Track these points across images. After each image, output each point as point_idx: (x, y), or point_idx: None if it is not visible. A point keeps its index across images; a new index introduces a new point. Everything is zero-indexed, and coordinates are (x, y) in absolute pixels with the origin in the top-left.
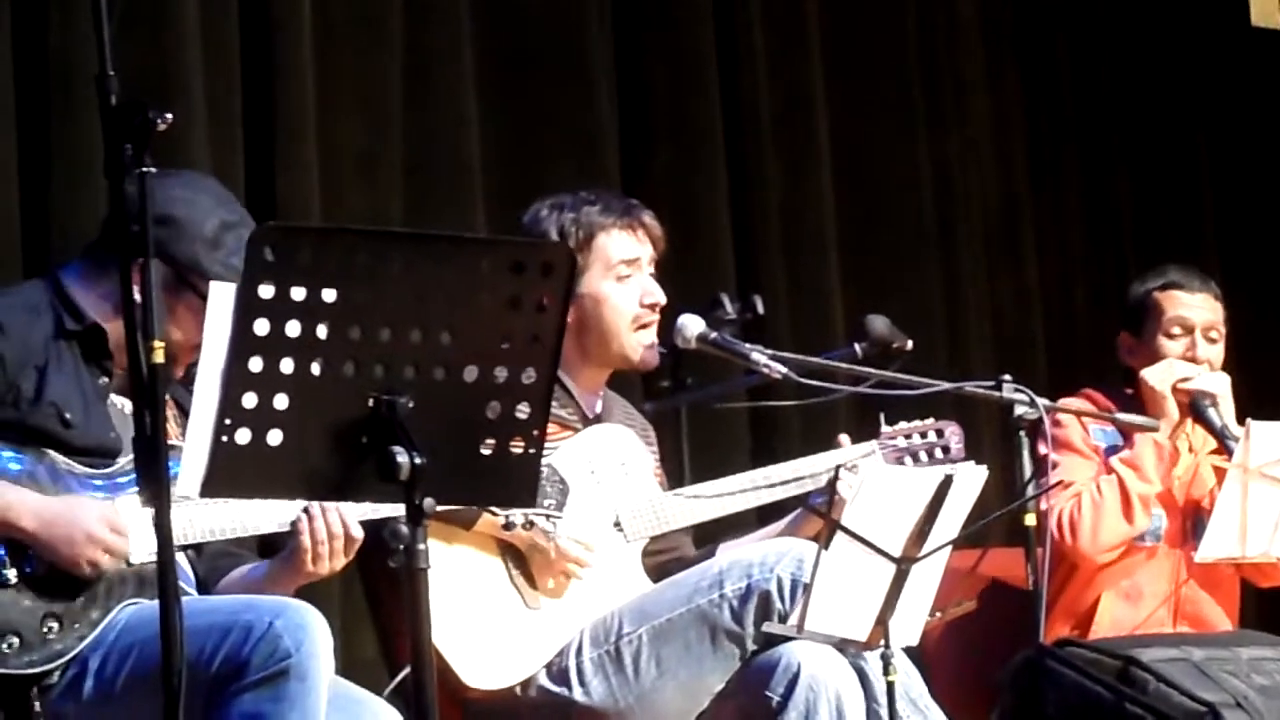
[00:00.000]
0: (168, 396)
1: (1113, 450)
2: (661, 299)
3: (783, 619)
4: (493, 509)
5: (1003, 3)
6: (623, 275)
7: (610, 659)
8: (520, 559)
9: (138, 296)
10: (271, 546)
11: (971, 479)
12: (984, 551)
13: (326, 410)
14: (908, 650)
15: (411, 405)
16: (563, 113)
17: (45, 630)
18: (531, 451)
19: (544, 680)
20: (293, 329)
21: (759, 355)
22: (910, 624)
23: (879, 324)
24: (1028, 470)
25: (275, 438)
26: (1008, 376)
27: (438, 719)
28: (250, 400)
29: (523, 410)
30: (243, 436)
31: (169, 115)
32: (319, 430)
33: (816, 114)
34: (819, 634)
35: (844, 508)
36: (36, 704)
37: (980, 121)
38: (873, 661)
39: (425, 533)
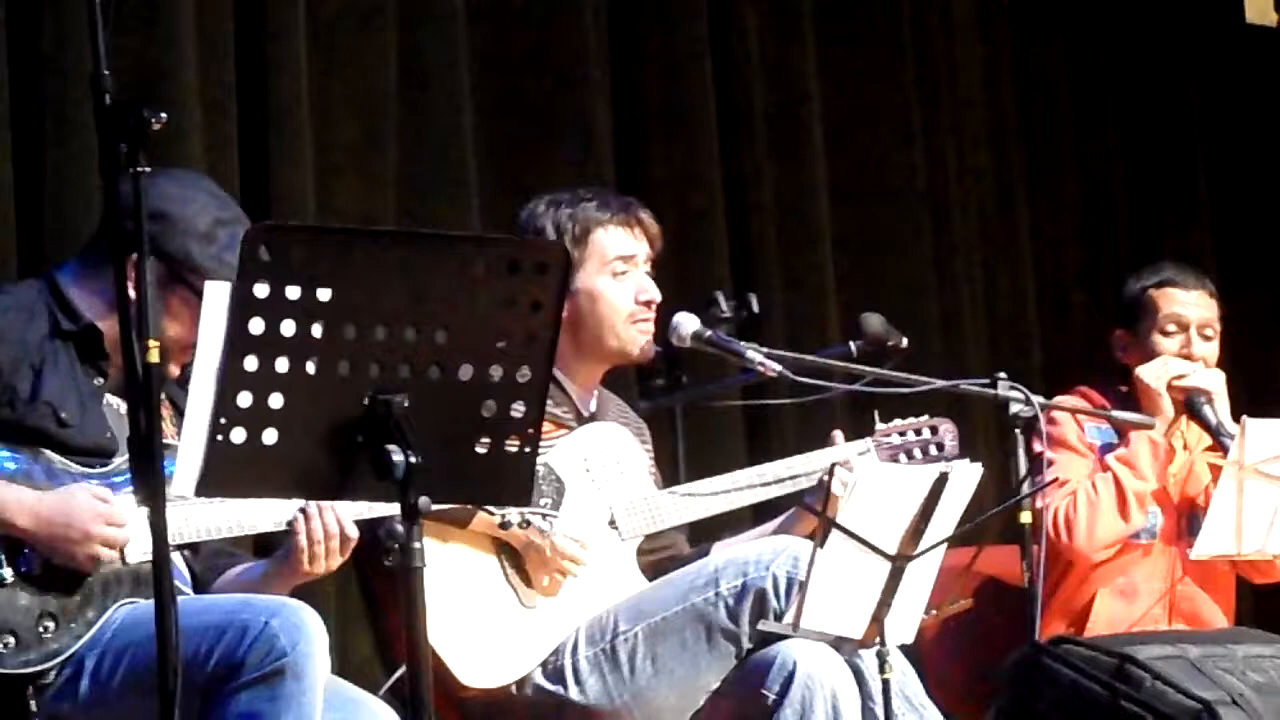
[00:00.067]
0: (163, 396)
1: (1108, 448)
2: (657, 296)
3: (778, 617)
4: (488, 508)
5: (998, 3)
6: (619, 271)
7: (606, 657)
8: (516, 557)
9: (132, 294)
10: (267, 546)
11: (967, 477)
12: (979, 549)
13: (322, 409)
14: (903, 648)
15: (407, 404)
16: (557, 111)
17: (41, 630)
18: (527, 450)
19: (539, 679)
20: (288, 328)
21: (754, 353)
22: (906, 622)
23: (874, 322)
24: (1023, 468)
25: (270, 437)
26: (1003, 374)
27: (433, 718)
28: (245, 399)
29: (518, 409)
30: (238, 436)
31: (164, 115)
32: (314, 429)
33: (811, 113)
34: (814, 632)
35: (838, 505)
36: (32, 703)
37: (976, 120)
38: (868, 659)
39: (421, 531)
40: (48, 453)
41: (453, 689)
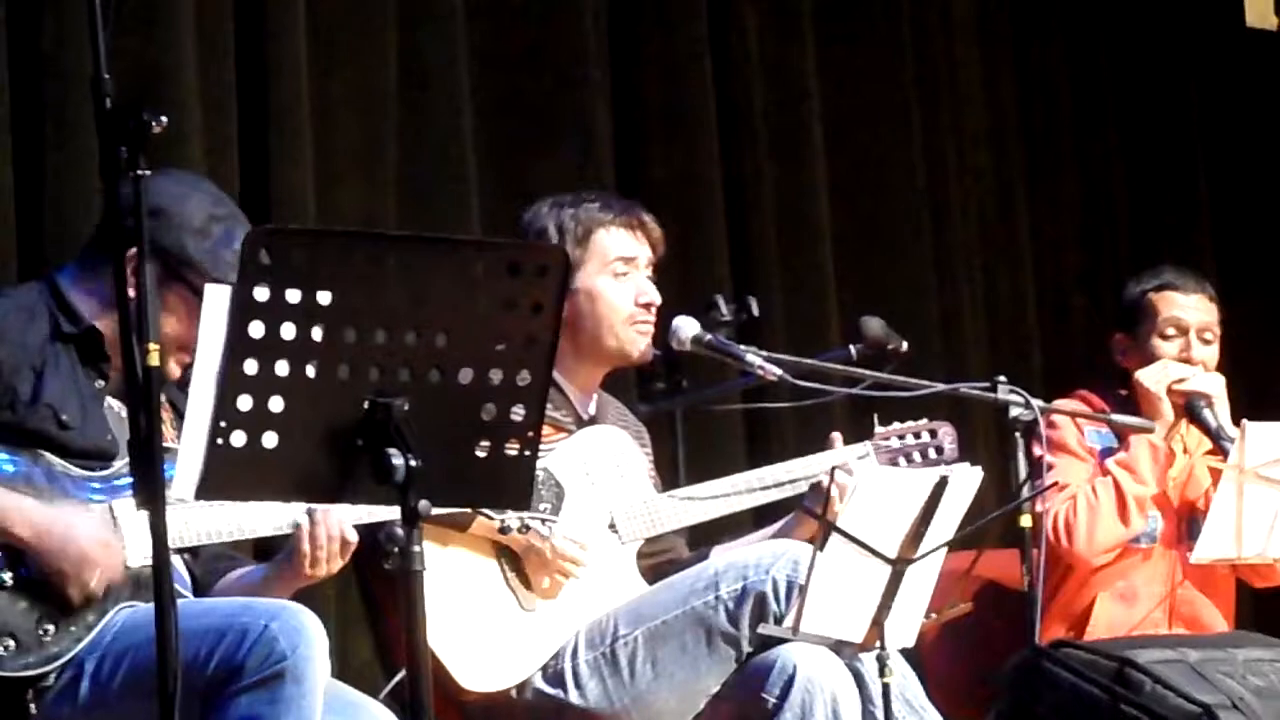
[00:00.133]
0: (163, 399)
1: (1108, 452)
2: (657, 299)
3: (778, 621)
4: (488, 511)
5: (998, 3)
6: (619, 273)
7: (606, 661)
8: (515, 561)
9: (131, 293)
10: (267, 549)
11: (967, 480)
12: (979, 553)
13: (321, 413)
14: (904, 652)
15: (407, 407)
16: (557, 112)
17: (41, 633)
18: (527, 454)
19: (539, 682)
20: (288, 331)
21: (754, 357)
22: (906, 626)
23: (874, 325)
24: (1023, 472)
25: (270, 440)
26: (1003, 378)
27: None
28: (245, 403)
29: (518, 412)
30: (238, 439)
31: (164, 118)
32: (314, 433)
33: (812, 115)
34: (814, 636)
35: (836, 508)
36: (32, 706)
37: (976, 122)
38: (869, 663)
39: (420, 535)
40: (48, 455)
41: (453, 692)
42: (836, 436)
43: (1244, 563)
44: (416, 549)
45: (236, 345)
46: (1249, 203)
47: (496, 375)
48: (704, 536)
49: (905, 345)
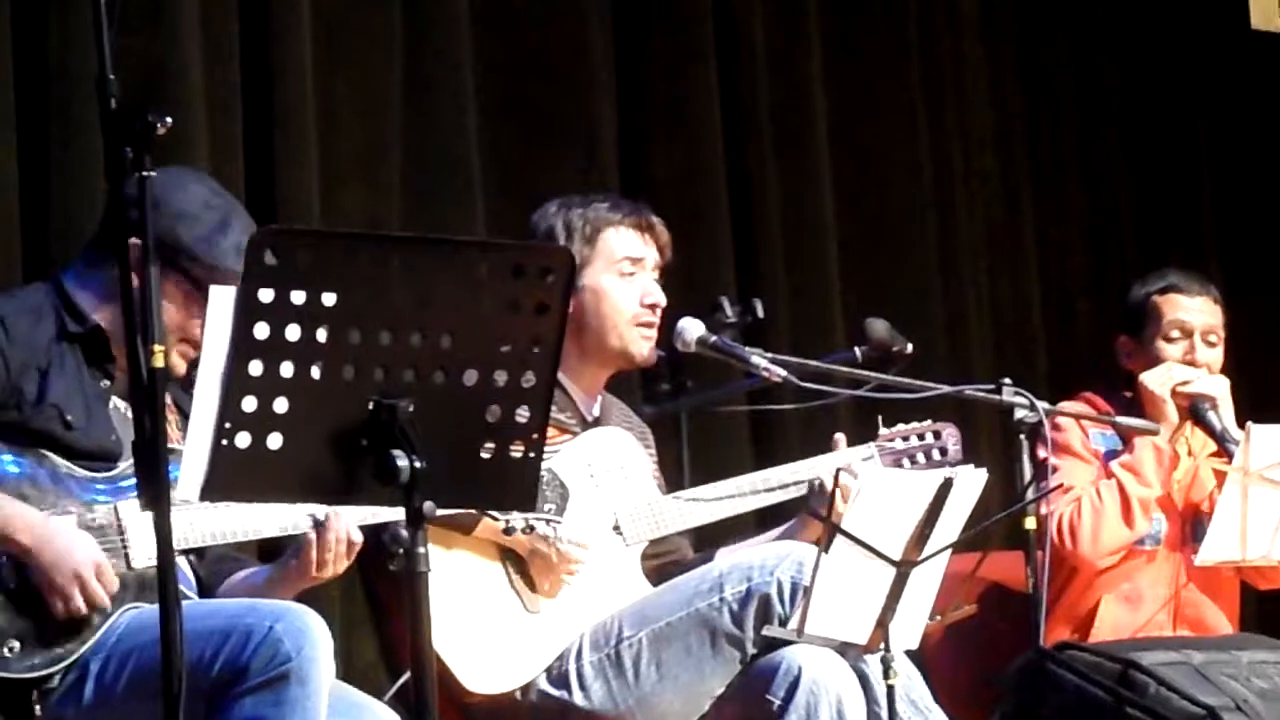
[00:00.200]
0: (169, 400)
1: (1112, 454)
2: (662, 301)
3: (783, 622)
4: (493, 513)
5: (1004, 4)
6: (625, 272)
7: (610, 663)
8: (520, 563)
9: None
10: (272, 550)
11: (971, 482)
12: (984, 555)
13: (326, 414)
14: (908, 653)
15: (411, 409)
16: (562, 114)
17: (46, 635)
18: (531, 455)
19: (544, 684)
20: (292, 332)
21: (759, 359)
22: (910, 627)
23: (879, 327)
24: (1028, 474)
25: (275, 441)
26: (1007, 380)
27: None
28: (250, 404)
29: (522, 414)
30: (242, 440)
31: (169, 119)
32: (319, 434)
33: (817, 117)
34: (819, 637)
35: (840, 509)
36: (37, 708)
37: (982, 124)
38: (874, 665)
39: (425, 537)
40: (52, 456)
41: (457, 694)
42: (840, 438)
43: (1248, 565)
44: (421, 550)
45: (241, 346)
46: (1254, 205)
47: (501, 377)
48: (708, 538)
49: (910, 347)
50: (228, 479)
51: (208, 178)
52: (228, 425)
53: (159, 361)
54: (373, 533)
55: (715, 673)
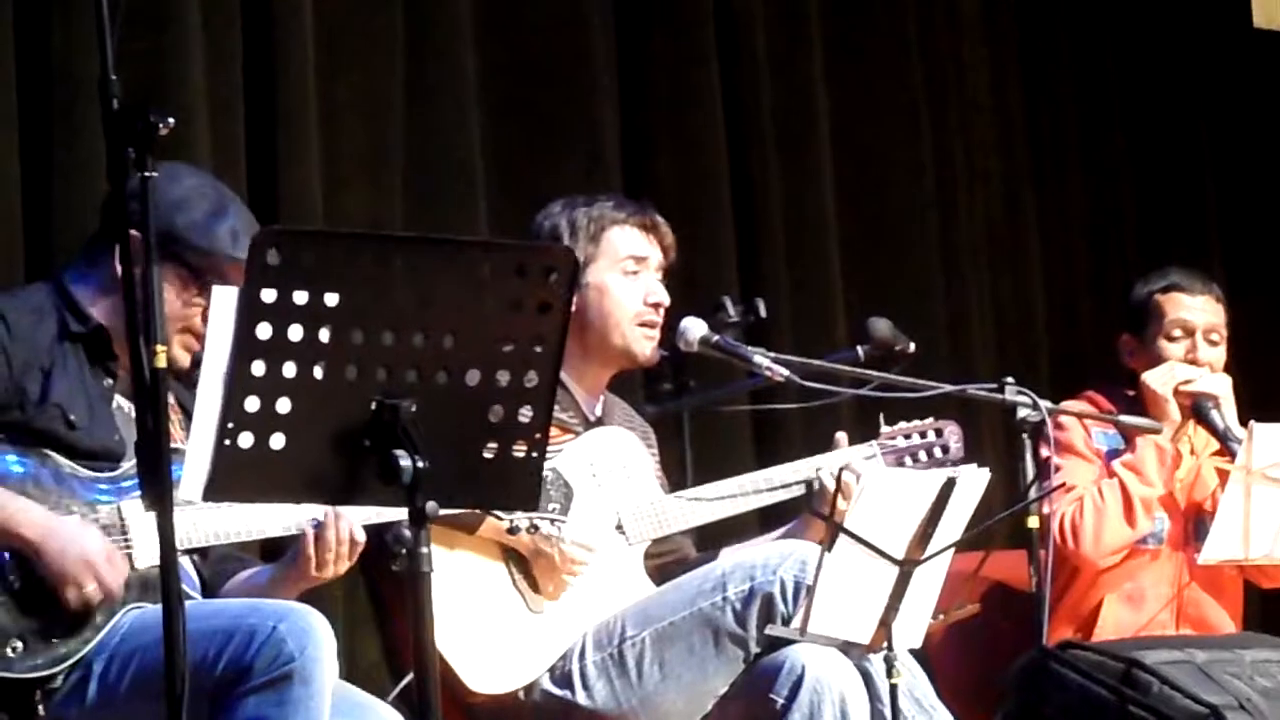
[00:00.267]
0: (172, 400)
1: (1114, 453)
2: (665, 300)
3: (785, 621)
4: (496, 513)
5: (1005, 5)
6: (629, 270)
7: (613, 662)
8: (523, 563)
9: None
10: (274, 550)
11: (974, 481)
12: (987, 554)
13: (329, 414)
14: (912, 653)
15: (414, 409)
16: (564, 116)
17: (49, 635)
18: (534, 455)
19: (547, 684)
20: (295, 333)
21: (761, 358)
22: (914, 627)
23: (881, 326)
24: (1030, 473)
25: (278, 442)
26: (1010, 379)
27: None
28: (253, 404)
29: (525, 414)
30: (245, 440)
31: (171, 119)
32: (321, 434)
33: (819, 118)
34: (822, 637)
35: (841, 507)
36: (40, 708)
37: (983, 124)
38: (877, 663)
39: (428, 537)
40: (56, 456)
41: (460, 694)
42: (841, 436)
43: (1251, 564)
44: (424, 550)
45: (244, 346)
46: (1256, 203)
47: (504, 376)
48: (711, 538)
49: (913, 346)
50: (230, 479)
51: (200, 170)
52: (230, 425)
53: (161, 361)
54: (376, 533)
55: (718, 672)
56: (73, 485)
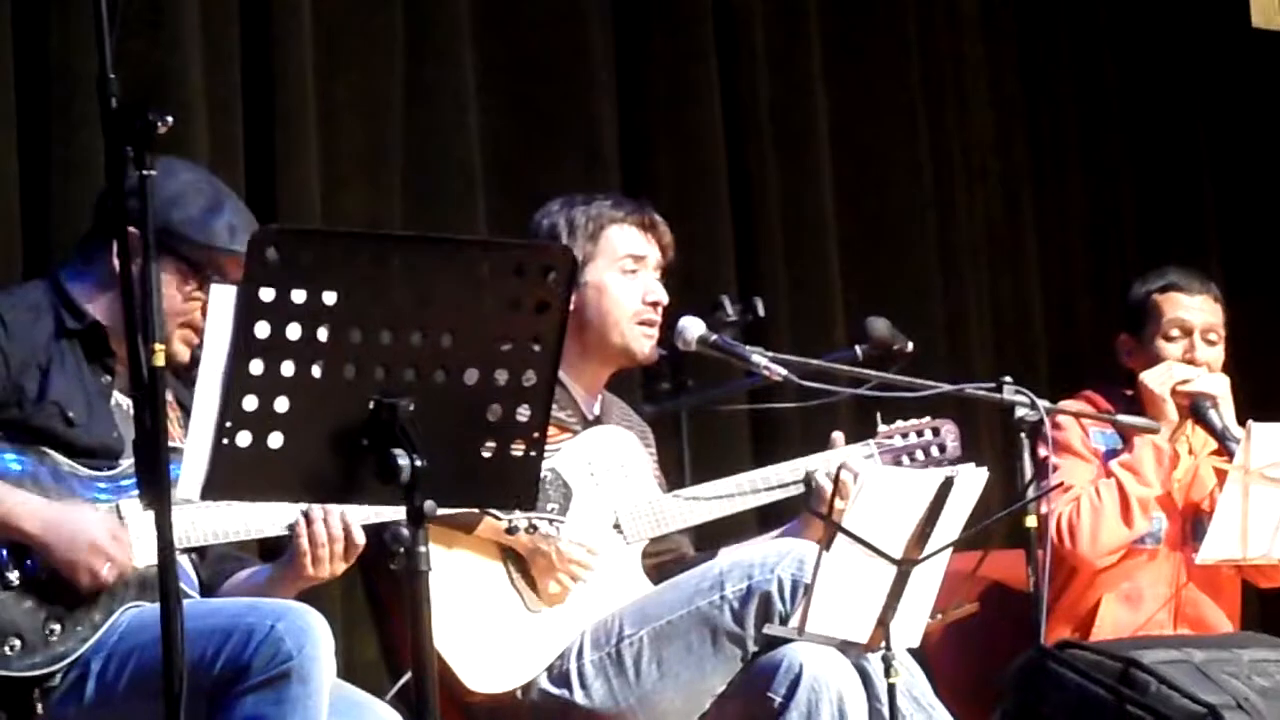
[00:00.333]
0: (172, 398)
1: (1112, 453)
2: (664, 299)
3: (783, 620)
4: (495, 512)
5: (1004, 4)
6: (628, 269)
7: (611, 661)
8: (521, 562)
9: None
10: (274, 549)
11: (972, 481)
12: (985, 553)
13: (327, 413)
14: (910, 652)
15: (412, 408)
16: (563, 114)
17: (48, 632)
18: (532, 454)
19: (545, 683)
20: (293, 331)
21: (759, 357)
22: (912, 626)
23: (880, 326)
24: (1028, 472)
25: (276, 440)
26: (1008, 378)
27: None
28: (251, 403)
29: (523, 413)
30: (243, 439)
31: (169, 118)
32: (320, 433)
33: (817, 116)
34: (820, 636)
35: (839, 506)
36: (39, 706)
37: (982, 123)
38: (875, 662)
39: (426, 536)
40: (54, 454)
41: (458, 693)
42: (838, 436)
43: (1249, 563)
44: (422, 549)
45: (242, 345)
46: (1254, 203)
47: (502, 375)
48: (709, 538)
49: (911, 346)
50: (229, 478)
51: (192, 164)
52: (229, 424)
53: (160, 360)
54: (374, 532)
55: (716, 671)
56: (71, 484)
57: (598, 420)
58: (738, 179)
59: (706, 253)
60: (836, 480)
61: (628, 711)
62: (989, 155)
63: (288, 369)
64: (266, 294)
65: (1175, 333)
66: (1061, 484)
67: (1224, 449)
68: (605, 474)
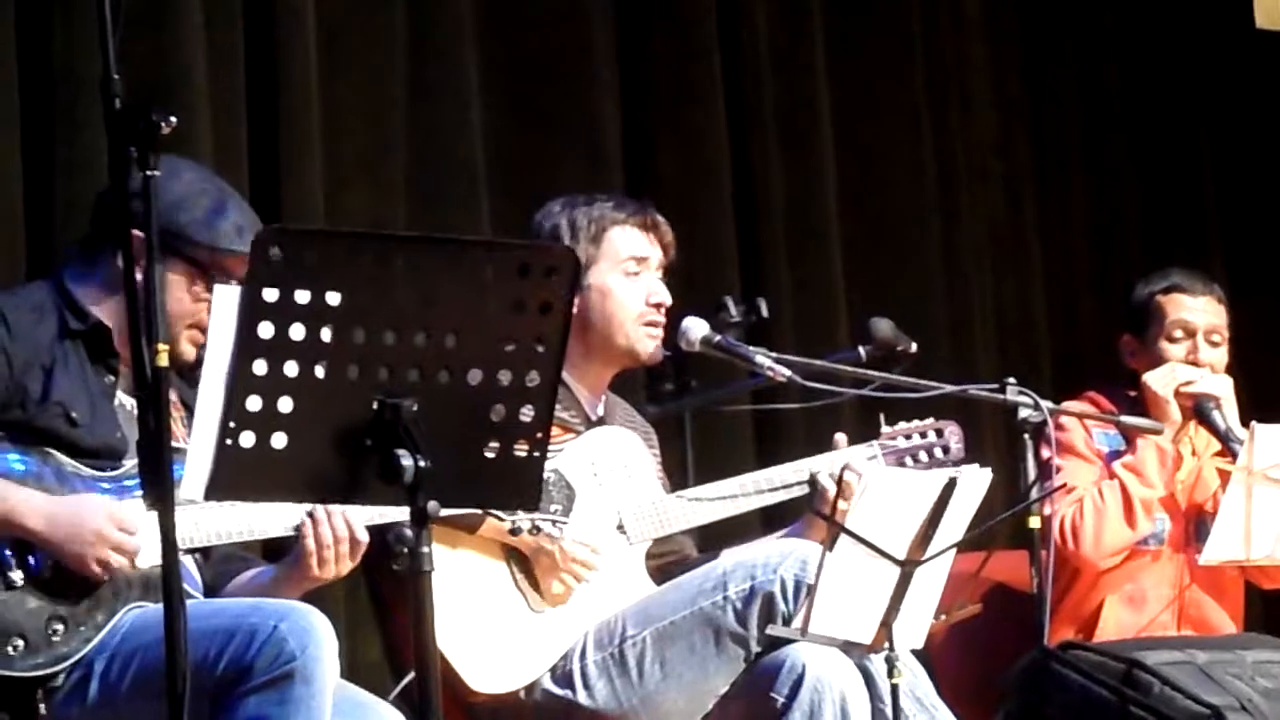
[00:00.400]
0: (175, 398)
1: (1115, 454)
2: (667, 300)
3: (786, 621)
4: (498, 513)
5: (1007, 5)
6: (631, 271)
7: (614, 662)
8: (524, 563)
9: (138, 276)
10: (277, 550)
11: (976, 482)
12: (988, 554)
13: (331, 413)
14: (913, 652)
15: (416, 408)
16: (566, 114)
17: (51, 633)
18: (535, 454)
19: (548, 684)
20: (297, 332)
21: (763, 358)
22: (915, 627)
23: (883, 327)
24: (1031, 473)
25: (279, 441)
26: (1012, 379)
27: None
28: (254, 403)
29: (527, 413)
30: (247, 440)
31: (173, 118)
32: (323, 433)
33: (821, 116)
34: (823, 637)
35: (842, 506)
36: (41, 706)
37: (985, 124)
38: (878, 663)
39: (430, 536)
40: (58, 455)
41: (461, 694)
42: (841, 437)
43: (1252, 564)
44: (425, 550)
45: (245, 345)
46: (1258, 204)
47: (505, 376)
48: (713, 538)
49: (914, 346)
50: (232, 478)
51: (195, 163)
52: (232, 425)
53: (163, 361)
54: (377, 532)
55: (719, 671)
56: (75, 484)
57: (601, 421)
58: (741, 179)
59: (709, 253)
60: (840, 481)
61: (630, 712)
62: (992, 156)
63: (291, 369)
64: (270, 294)
65: (1178, 334)
66: (1065, 485)
67: (1227, 450)
68: (608, 475)
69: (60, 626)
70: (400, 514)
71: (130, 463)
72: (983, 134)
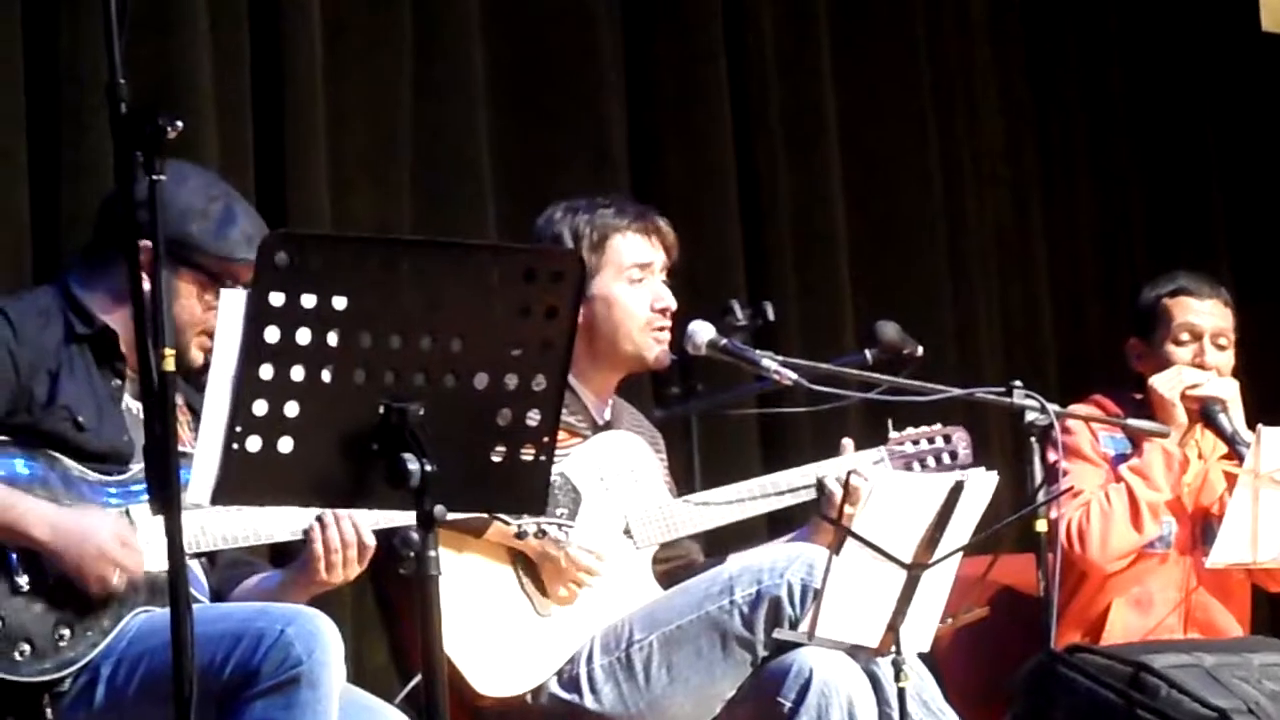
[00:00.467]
0: (182, 401)
1: (1122, 458)
2: (673, 304)
3: (793, 625)
4: (504, 517)
5: (1012, 8)
6: (635, 279)
7: (621, 666)
8: (531, 566)
9: (146, 284)
10: (284, 554)
11: (982, 485)
12: (995, 558)
13: (337, 418)
14: (920, 656)
15: (422, 412)
16: (572, 117)
17: (57, 638)
18: (542, 459)
19: (555, 688)
20: (303, 336)
21: (769, 362)
22: (922, 630)
23: (889, 330)
24: (1038, 477)
25: (286, 445)
26: (1018, 382)
27: None
28: (261, 408)
29: (533, 417)
30: (253, 444)
31: (179, 122)
32: (330, 438)
33: (827, 120)
34: (830, 640)
35: (849, 510)
36: (49, 711)
37: (991, 128)
38: (885, 666)
39: (436, 540)
40: (64, 460)
41: (468, 698)
42: (848, 442)
43: (1259, 567)
44: (432, 554)
45: (252, 350)
46: (1264, 207)
47: (512, 380)
48: (720, 543)
49: (921, 350)
50: (239, 483)
51: (201, 168)
52: (238, 429)
53: (170, 365)
54: (384, 536)
55: (726, 675)
56: (81, 489)
57: (608, 425)
58: (747, 182)
59: (715, 256)
60: (847, 485)
61: (637, 716)
62: (998, 161)
63: (297, 374)
64: (276, 299)
65: (1185, 337)
66: (1071, 488)
67: (1234, 453)
68: (615, 479)
69: (67, 631)
70: (406, 518)
71: (137, 467)
72: (989, 139)
